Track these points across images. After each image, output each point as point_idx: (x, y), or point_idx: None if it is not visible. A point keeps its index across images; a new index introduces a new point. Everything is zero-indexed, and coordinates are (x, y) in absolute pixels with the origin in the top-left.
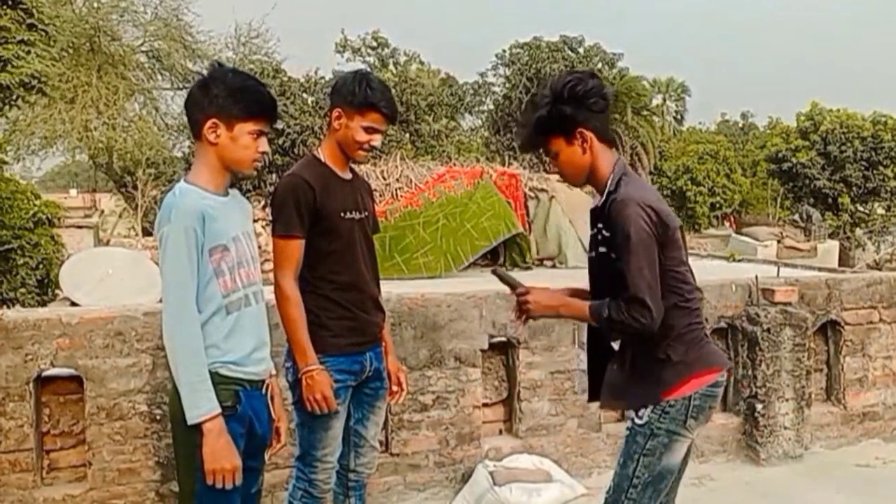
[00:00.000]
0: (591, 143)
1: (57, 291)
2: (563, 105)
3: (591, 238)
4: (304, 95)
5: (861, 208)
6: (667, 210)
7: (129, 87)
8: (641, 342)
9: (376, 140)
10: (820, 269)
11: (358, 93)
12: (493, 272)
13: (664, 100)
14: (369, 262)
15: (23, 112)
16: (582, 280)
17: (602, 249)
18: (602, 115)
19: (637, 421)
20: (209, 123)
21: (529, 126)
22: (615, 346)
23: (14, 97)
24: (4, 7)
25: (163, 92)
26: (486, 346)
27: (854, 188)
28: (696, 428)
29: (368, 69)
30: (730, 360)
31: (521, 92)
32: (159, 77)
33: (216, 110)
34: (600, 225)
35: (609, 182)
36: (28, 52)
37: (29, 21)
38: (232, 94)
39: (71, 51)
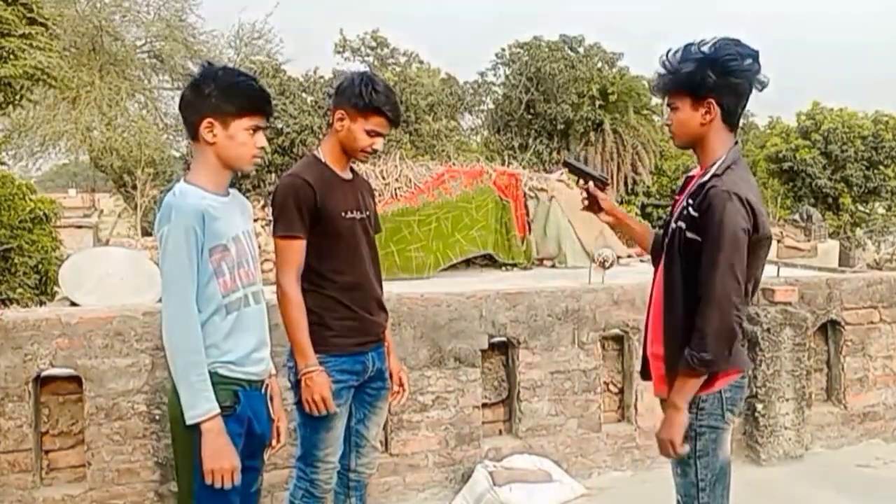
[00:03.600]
0: (713, 116)
1: (56, 291)
2: (709, 71)
3: (678, 210)
4: (304, 95)
5: (861, 208)
6: (764, 215)
7: (132, 87)
8: (681, 335)
9: (378, 143)
10: (820, 269)
11: (363, 95)
12: (564, 163)
13: None
14: (372, 262)
15: (26, 111)
16: (580, 280)
17: (681, 224)
18: (739, 98)
19: None
20: (205, 123)
21: (670, 73)
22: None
23: (21, 90)
24: (3, 3)
25: (163, 92)
26: (485, 346)
27: (855, 188)
28: (734, 418)
29: (368, 69)
30: (752, 361)
31: (521, 91)
32: (161, 77)
33: (210, 110)
34: (691, 201)
35: (718, 164)
36: (30, 45)
37: (29, 16)
38: (224, 92)
39: (74, 50)
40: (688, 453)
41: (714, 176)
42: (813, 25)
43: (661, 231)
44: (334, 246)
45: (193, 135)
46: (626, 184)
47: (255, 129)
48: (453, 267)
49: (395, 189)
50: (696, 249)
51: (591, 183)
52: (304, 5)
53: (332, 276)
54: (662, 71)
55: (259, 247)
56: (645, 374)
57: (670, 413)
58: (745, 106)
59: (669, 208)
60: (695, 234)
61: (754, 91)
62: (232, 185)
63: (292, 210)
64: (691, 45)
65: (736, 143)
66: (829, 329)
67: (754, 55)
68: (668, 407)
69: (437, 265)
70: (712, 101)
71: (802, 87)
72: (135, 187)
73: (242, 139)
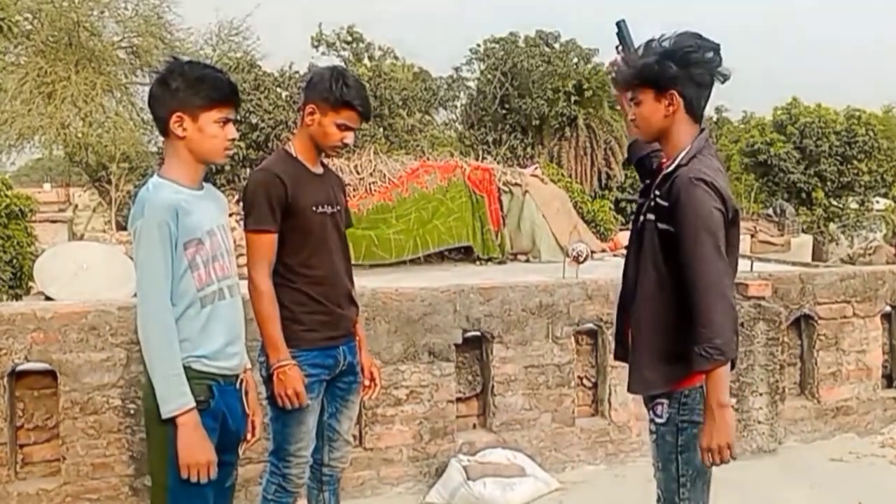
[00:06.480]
0: (676, 108)
1: (31, 286)
2: (669, 63)
3: (640, 205)
4: (279, 90)
5: (835, 202)
6: (732, 199)
7: (108, 82)
8: (662, 328)
9: (349, 138)
10: (794, 264)
11: (334, 90)
12: (617, 23)
13: None
14: (342, 256)
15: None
16: (554, 274)
17: (650, 216)
18: (701, 89)
19: (658, 420)
20: (174, 118)
21: (631, 68)
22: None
23: None
24: None
25: (140, 88)
26: (459, 341)
27: (828, 182)
28: None
29: (343, 64)
30: (736, 352)
31: (495, 87)
32: (138, 73)
33: (178, 104)
34: (658, 192)
35: (683, 154)
36: None
37: None
38: (191, 85)
39: (52, 44)
40: (669, 449)
41: (679, 166)
42: (794, 22)
43: (632, 225)
44: (305, 240)
45: (164, 130)
46: (599, 178)
47: (225, 120)
48: (428, 260)
49: (370, 184)
50: (671, 240)
51: (623, 55)
52: (281, 2)
53: (302, 271)
54: (624, 66)
55: (235, 241)
56: (618, 354)
57: (717, 414)
58: (708, 98)
59: (638, 202)
60: (667, 225)
61: (725, 85)
62: (206, 179)
63: (263, 204)
64: (652, 40)
65: (702, 130)
66: (803, 323)
67: (716, 48)
68: (712, 409)
69: (415, 249)
70: (675, 92)
71: (778, 83)
72: (110, 182)
73: (213, 131)
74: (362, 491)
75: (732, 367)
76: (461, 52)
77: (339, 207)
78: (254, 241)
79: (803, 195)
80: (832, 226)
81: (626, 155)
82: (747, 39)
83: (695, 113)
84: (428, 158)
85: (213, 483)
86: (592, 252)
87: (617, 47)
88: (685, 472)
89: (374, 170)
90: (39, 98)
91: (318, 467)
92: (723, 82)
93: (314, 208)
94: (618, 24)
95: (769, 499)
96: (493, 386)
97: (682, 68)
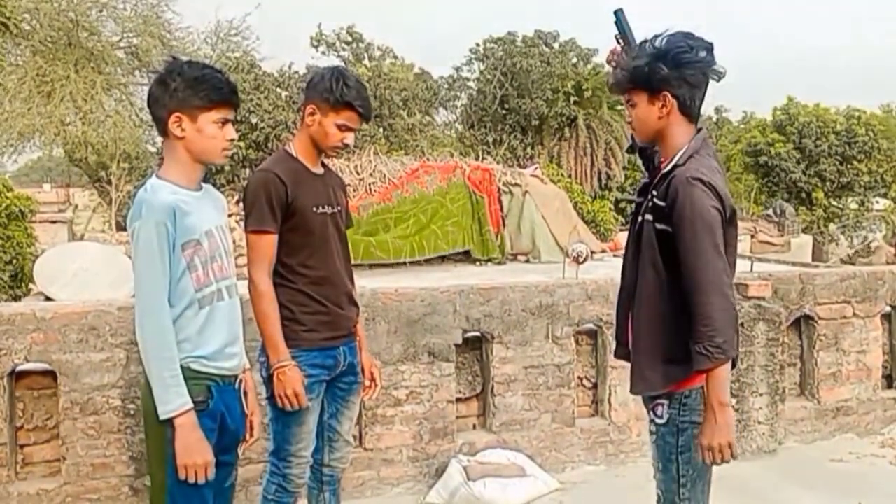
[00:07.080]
0: (670, 109)
1: (31, 286)
2: (660, 64)
3: (638, 205)
4: (278, 90)
5: (834, 203)
6: (729, 199)
7: (107, 81)
8: (662, 328)
9: (349, 138)
10: (793, 264)
11: (334, 90)
12: (615, 12)
13: None
14: (343, 257)
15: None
16: (554, 275)
17: (648, 217)
18: (694, 89)
19: (658, 421)
20: (173, 118)
21: (624, 70)
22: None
23: None
24: None
25: (139, 87)
26: (459, 341)
27: (828, 182)
28: None
29: (343, 64)
30: (736, 350)
31: (495, 87)
32: (137, 73)
33: (177, 104)
34: (655, 193)
35: (680, 154)
36: None
37: None
38: (190, 85)
39: (50, 44)
40: (669, 449)
41: (676, 166)
42: (791, 25)
43: (630, 225)
44: (305, 241)
45: (162, 130)
46: (599, 179)
47: (224, 121)
48: (428, 261)
49: (370, 184)
50: (669, 240)
51: (621, 44)
52: (280, 2)
53: (302, 271)
54: (618, 69)
55: (234, 242)
56: (618, 353)
57: (718, 413)
58: (702, 97)
59: (636, 202)
60: (664, 225)
61: (721, 83)
62: (206, 179)
63: (263, 205)
64: (645, 41)
65: (700, 129)
66: (803, 324)
67: (708, 47)
68: (713, 408)
69: (412, 253)
70: (667, 93)
71: (778, 84)
72: (109, 182)
73: (211, 132)
74: (362, 491)
75: (733, 366)
76: (461, 52)
77: (339, 208)
78: (254, 241)
79: (803, 195)
80: (832, 226)
81: (629, 143)
82: (747, 38)
83: (689, 113)
84: (428, 159)
85: (213, 483)
86: (592, 252)
87: (616, 36)
88: (685, 473)
89: (374, 170)
90: (39, 97)
91: (319, 467)
92: (718, 80)
93: (314, 208)
94: (615, 13)
95: (769, 499)
96: (492, 386)
97: (673, 69)
